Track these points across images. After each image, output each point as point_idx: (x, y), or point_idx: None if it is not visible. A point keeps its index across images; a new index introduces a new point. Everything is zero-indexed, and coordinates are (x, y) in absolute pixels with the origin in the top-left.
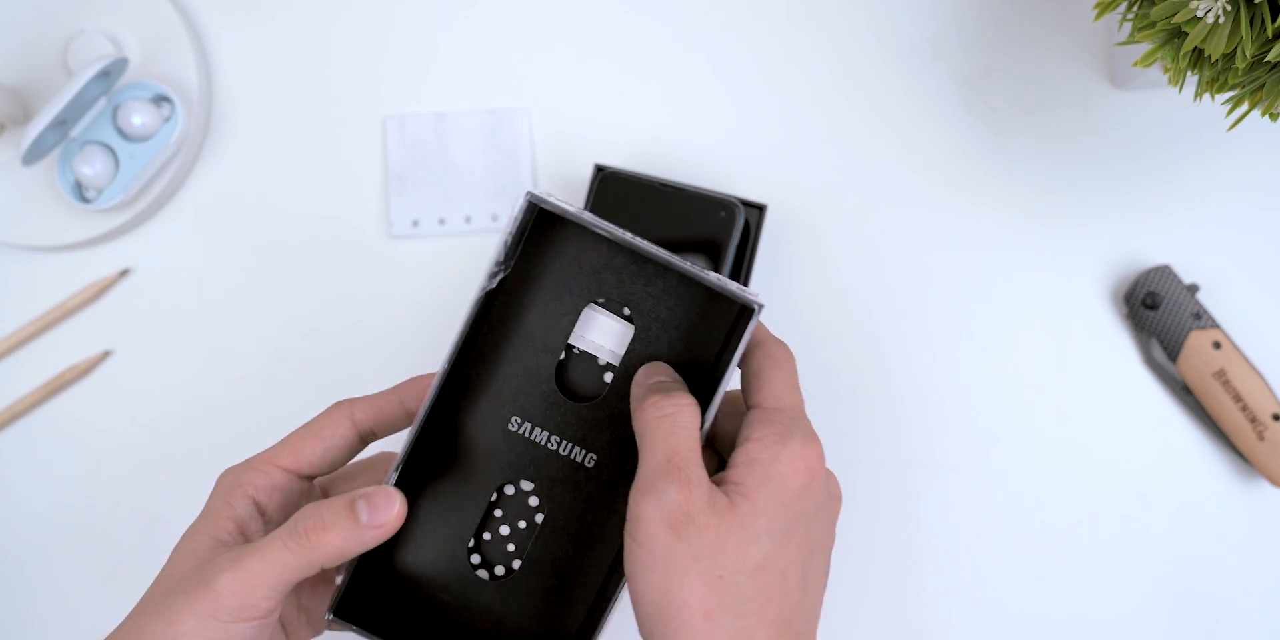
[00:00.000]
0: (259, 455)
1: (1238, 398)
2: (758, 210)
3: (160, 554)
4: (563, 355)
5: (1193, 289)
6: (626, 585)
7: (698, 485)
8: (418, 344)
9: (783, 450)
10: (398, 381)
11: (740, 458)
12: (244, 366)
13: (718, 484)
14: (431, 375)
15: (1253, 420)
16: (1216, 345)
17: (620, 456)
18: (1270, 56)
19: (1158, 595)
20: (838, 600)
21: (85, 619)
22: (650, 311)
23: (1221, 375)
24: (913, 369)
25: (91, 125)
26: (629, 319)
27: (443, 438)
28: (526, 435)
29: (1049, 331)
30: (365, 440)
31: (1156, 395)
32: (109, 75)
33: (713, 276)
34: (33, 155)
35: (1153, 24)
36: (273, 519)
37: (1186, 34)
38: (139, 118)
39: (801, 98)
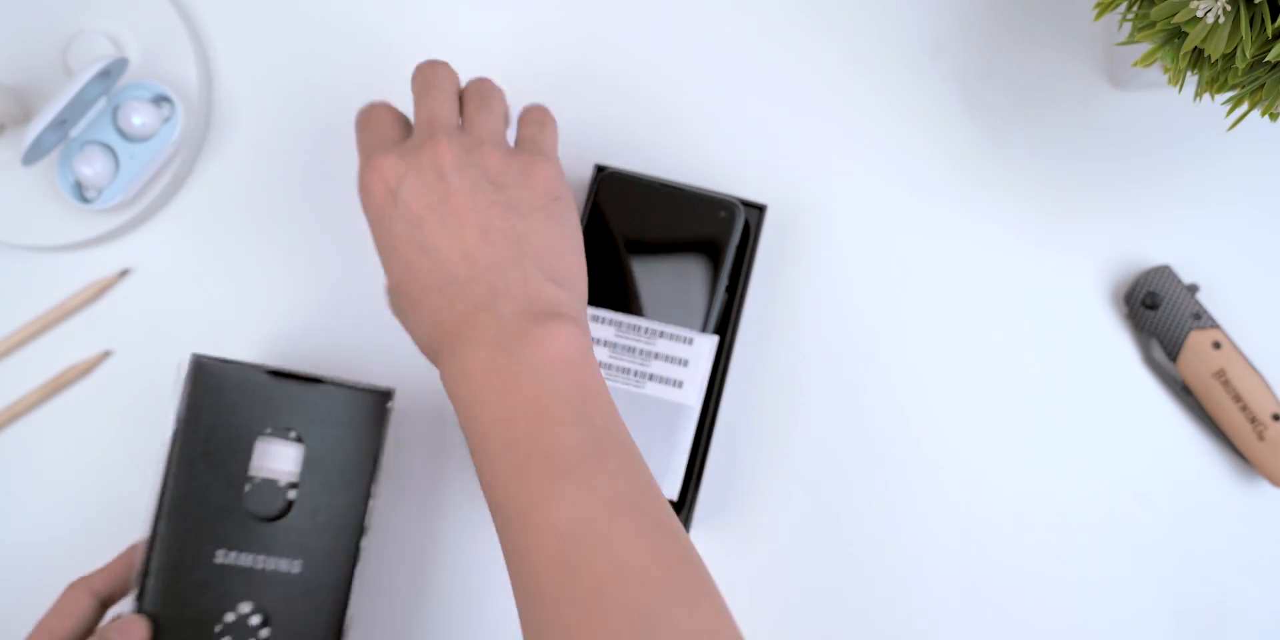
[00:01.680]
0: None
1: (1238, 398)
2: (758, 210)
3: None
4: (248, 486)
5: (1193, 289)
6: None
7: (392, 150)
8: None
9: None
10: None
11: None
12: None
13: None
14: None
15: (1253, 420)
16: (1216, 345)
17: (322, 556)
18: (1270, 56)
19: (1158, 595)
20: (838, 599)
21: None
22: (313, 422)
23: (1221, 375)
24: (912, 369)
25: (91, 125)
26: (298, 438)
27: (161, 584)
28: (234, 562)
29: (1048, 331)
30: (106, 606)
31: (1156, 395)
32: (109, 75)
33: (345, 379)
34: (33, 155)
35: (1153, 24)
36: None
37: (1186, 34)
38: (139, 118)
39: (801, 97)
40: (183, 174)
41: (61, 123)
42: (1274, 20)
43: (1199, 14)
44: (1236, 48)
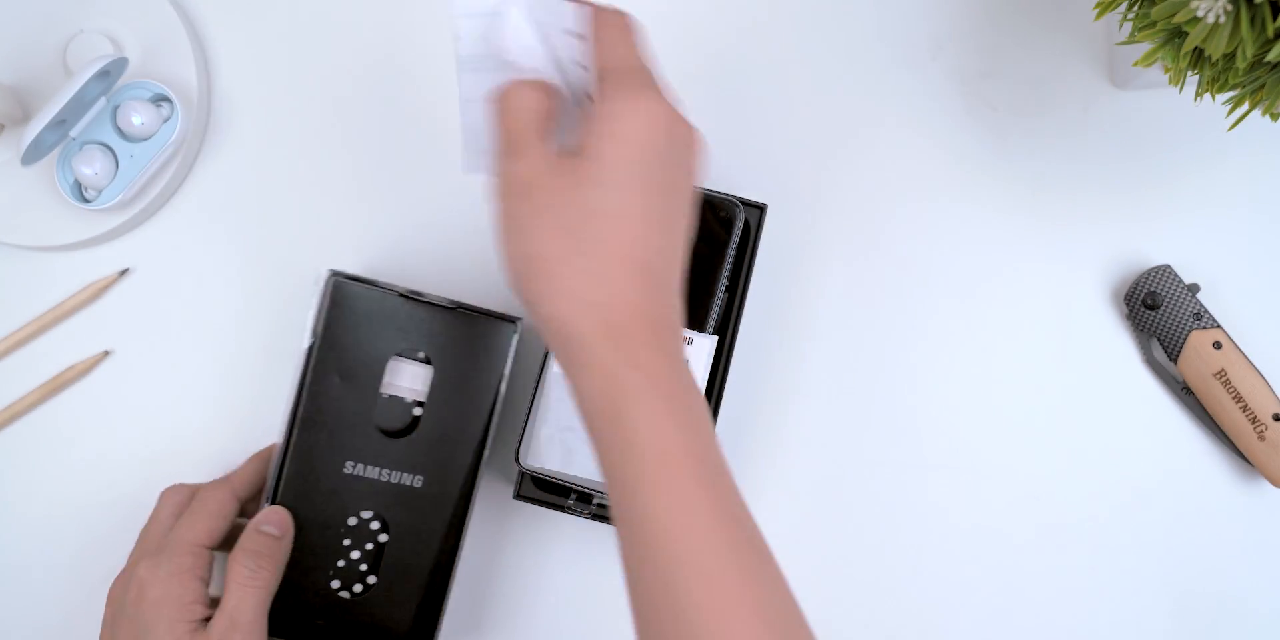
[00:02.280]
0: (178, 543)
1: (1238, 398)
2: (758, 210)
3: None
4: (377, 403)
5: (1193, 289)
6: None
7: (534, 153)
8: None
9: (620, 105)
10: None
11: (584, 121)
12: (244, 366)
13: (570, 154)
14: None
15: (1253, 420)
16: (1217, 345)
17: (441, 473)
18: (1270, 56)
19: (1158, 595)
20: (838, 598)
21: (85, 619)
22: (443, 345)
23: (1222, 375)
24: (912, 369)
25: (91, 125)
26: (426, 360)
27: (293, 491)
28: (361, 474)
29: (1049, 331)
30: (241, 509)
31: (1157, 395)
32: (108, 75)
33: (476, 306)
34: (32, 155)
35: (1153, 24)
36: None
37: (1187, 34)
38: (139, 117)
39: (801, 97)
40: (182, 174)
41: (61, 122)
42: (1274, 20)
43: (1199, 14)
44: (1237, 48)
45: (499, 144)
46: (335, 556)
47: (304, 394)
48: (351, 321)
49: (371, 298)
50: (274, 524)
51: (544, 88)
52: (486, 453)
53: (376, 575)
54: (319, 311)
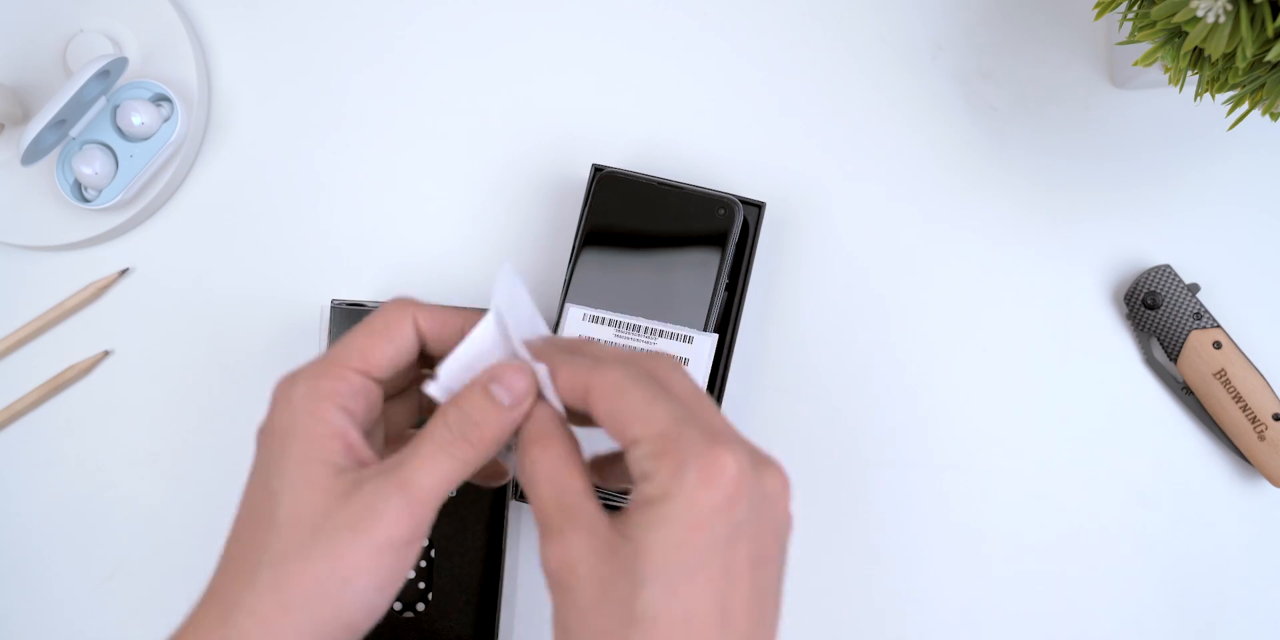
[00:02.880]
0: (325, 359)
1: (1238, 398)
2: (756, 208)
3: (160, 554)
4: None
5: (1193, 289)
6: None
7: (575, 533)
8: None
9: (674, 486)
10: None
11: (636, 497)
12: (244, 366)
13: (614, 527)
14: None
15: (1253, 420)
16: (1217, 345)
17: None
18: (1270, 56)
19: (1158, 595)
20: (838, 600)
21: (85, 619)
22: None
23: (1222, 375)
24: (912, 368)
25: (91, 125)
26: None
27: None
28: None
29: (1049, 331)
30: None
31: (1157, 395)
32: (108, 75)
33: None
34: (32, 155)
35: (1153, 24)
36: (366, 431)
37: (1186, 34)
38: (138, 117)
39: (801, 96)
40: (182, 173)
41: (61, 122)
42: (1274, 20)
43: (1199, 14)
44: (1237, 47)
45: (536, 514)
46: None
47: None
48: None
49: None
50: (507, 387)
51: (568, 443)
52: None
53: (433, 592)
54: (329, 342)
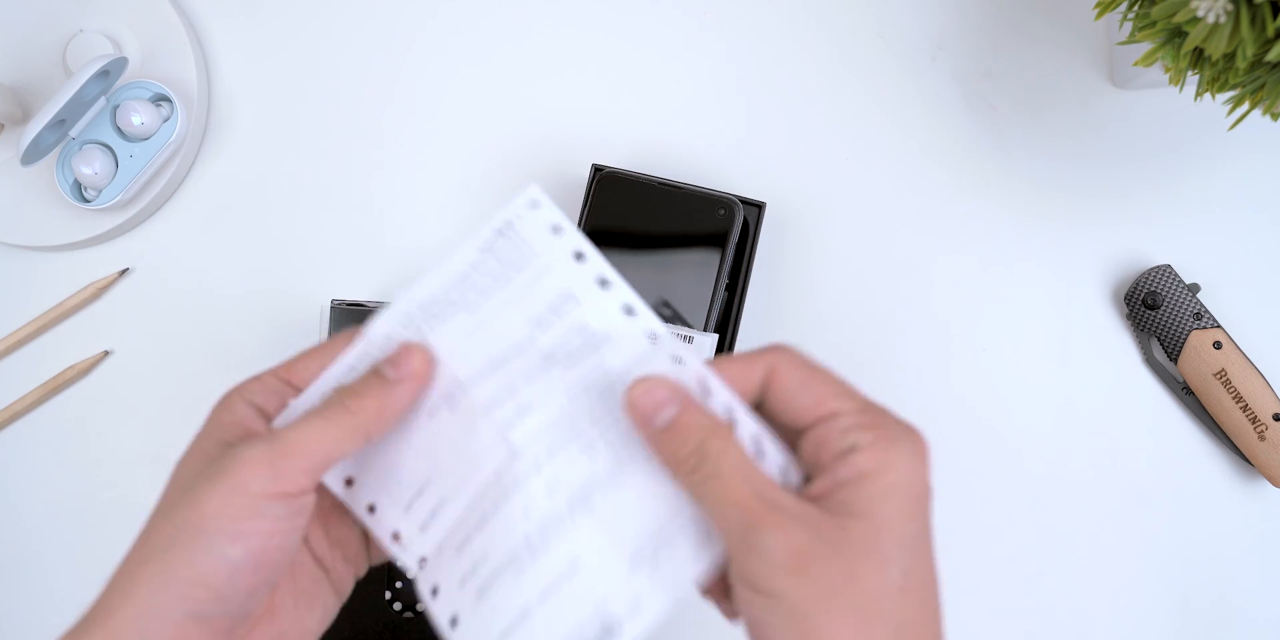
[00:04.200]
0: (247, 380)
1: (1238, 398)
2: (756, 208)
3: None
4: None
5: (1193, 289)
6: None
7: (791, 522)
8: None
9: (895, 456)
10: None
11: (845, 473)
12: (243, 366)
13: (818, 505)
14: None
15: (1253, 420)
16: (1217, 345)
17: None
18: (1270, 56)
19: (1158, 595)
20: None
21: None
22: None
23: (1222, 375)
24: (912, 368)
25: (91, 125)
26: None
27: None
28: None
29: (1049, 331)
30: None
31: (1157, 395)
32: (108, 75)
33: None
34: (32, 155)
35: (1153, 24)
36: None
37: (1187, 34)
38: (138, 117)
39: (801, 96)
40: (182, 173)
41: (60, 122)
42: (1274, 20)
43: (1199, 14)
44: (1237, 47)
45: (731, 522)
46: (392, 578)
47: None
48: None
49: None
50: (394, 364)
51: (733, 437)
52: None
53: None
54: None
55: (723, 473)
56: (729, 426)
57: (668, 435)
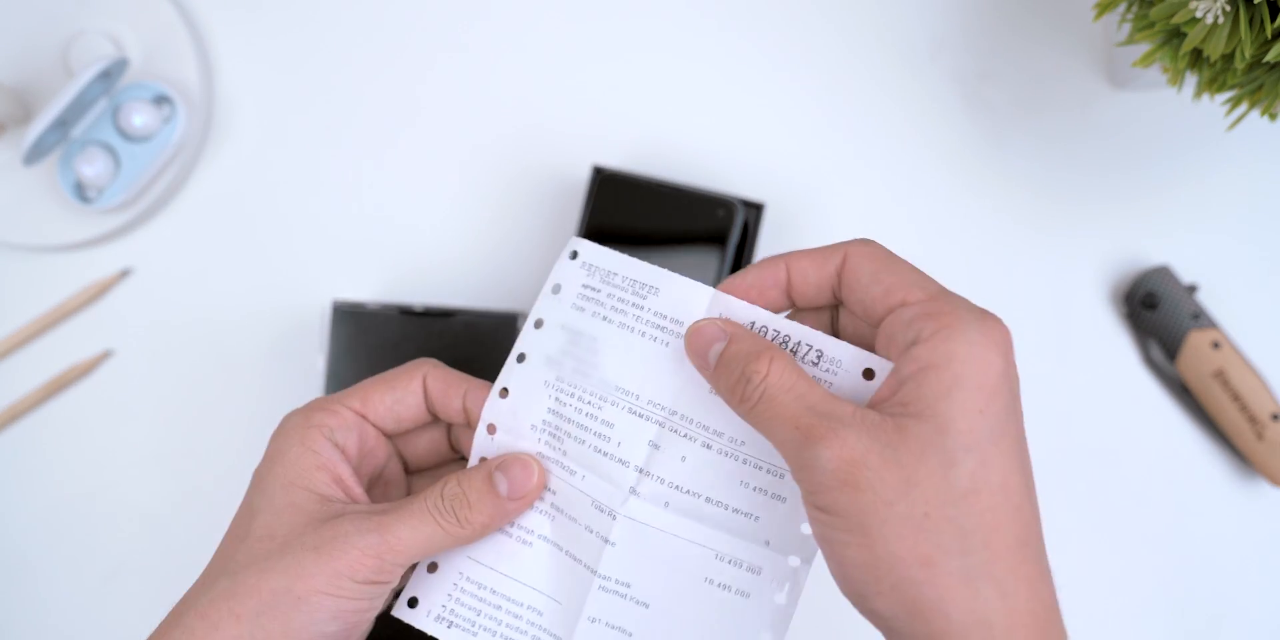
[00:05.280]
0: (328, 396)
1: (1236, 398)
2: (756, 209)
3: (160, 554)
4: None
5: (1192, 289)
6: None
7: (847, 430)
8: None
9: (959, 345)
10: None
11: (907, 369)
12: (244, 367)
13: (880, 410)
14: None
15: (1252, 420)
16: (1215, 345)
17: None
18: (1269, 57)
19: (1157, 595)
20: (835, 597)
21: (85, 619)
22: (451, 356)
23: (1220, 375)
24: None
25: (92, 125)
26: None
27: None
28: None
29: (1048, 331)
30: (428, 410)
31: (1156, 395)
32: (109, 76)
33: (474, 308)
34: (33, 155)
35: (1152, 24)
36: (357, 467)
37: (1185, 35)
38: (140, 118)
39: (800, 97)
40: (183, 174)
41: (62, 123)
42: (1273, 20)
43: (1198, 14)
44: (1235, 48)
45: (786, 440)
46: None
47: None
48: (361, 348)
49: (375, 320)
50: (510, 478)
51: (793, 360)
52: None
53: None
54: (330, 344)
55: (769, 394)
56: (769, 346)
57: (719, 371)
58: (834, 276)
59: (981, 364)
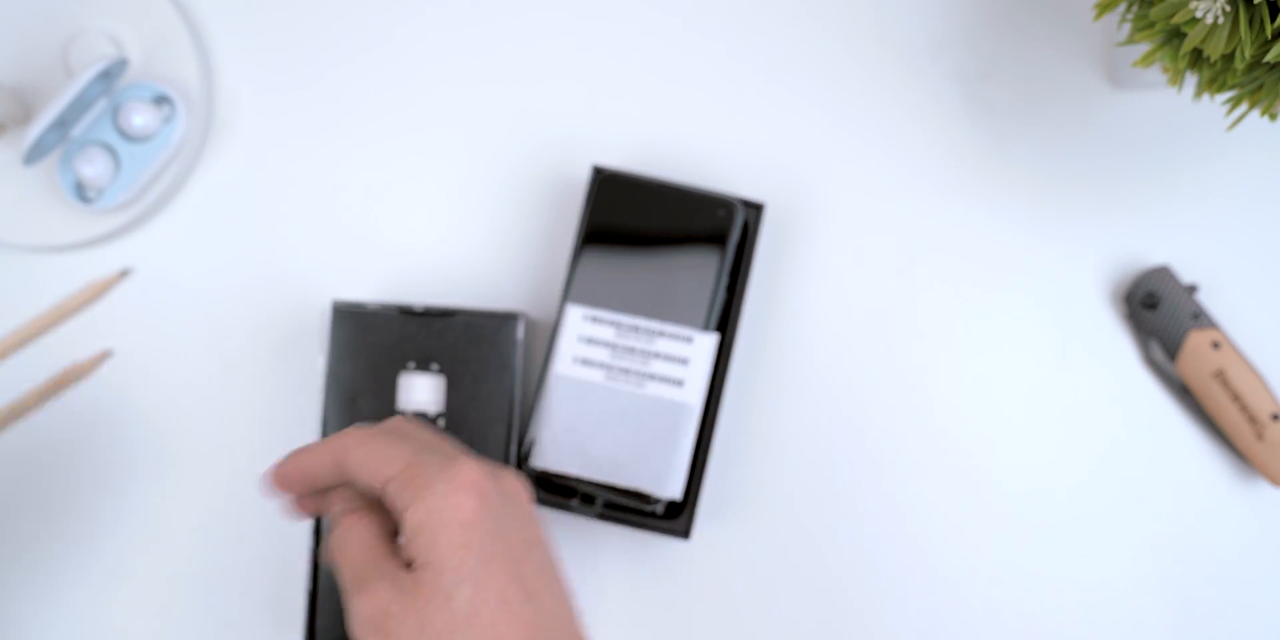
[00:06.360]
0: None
1: (1236, 398)
2: (756, 209)
3: (160, 554)
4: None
5: (1192, 289)
6: None
7: (379, 584)
8: None
9: (432, 499)
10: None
11: (408, 532)
12: (244, 367)
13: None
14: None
15: (1251, 420)
16: (1215, 345)
17: None
18: (1269, 57)
19: (1156, 595)
20: (839, 596)
21: (85, 619)
22: (451, 355)
23: (1220, 375)
24: (911, 369)
25: (92, 125)
26: (439, 370)
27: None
28: None
29: (1048, 332)
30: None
31: (1156, 395)
32: (109, 76)
33: (475, 308)
34: (33, 155)
35: (1152, 24)
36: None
37: (1185, 34)
38: (140, 118)
39: (800, 97)
40: (183, 174)
41: (62, 123)
42: (1273, 20)
43: (1198, 14)
44: (1235, 48)
45: (344, 586)
46: None
47: (325, 427)
48: (361, 348)
49: (375, 320)
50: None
51: (368, 516)
52: (513, 448)
53: None
54: (330, 344)
55: (346, 541)
56: (351, 509)
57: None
58: (331, 469)
59: (454, 508)
